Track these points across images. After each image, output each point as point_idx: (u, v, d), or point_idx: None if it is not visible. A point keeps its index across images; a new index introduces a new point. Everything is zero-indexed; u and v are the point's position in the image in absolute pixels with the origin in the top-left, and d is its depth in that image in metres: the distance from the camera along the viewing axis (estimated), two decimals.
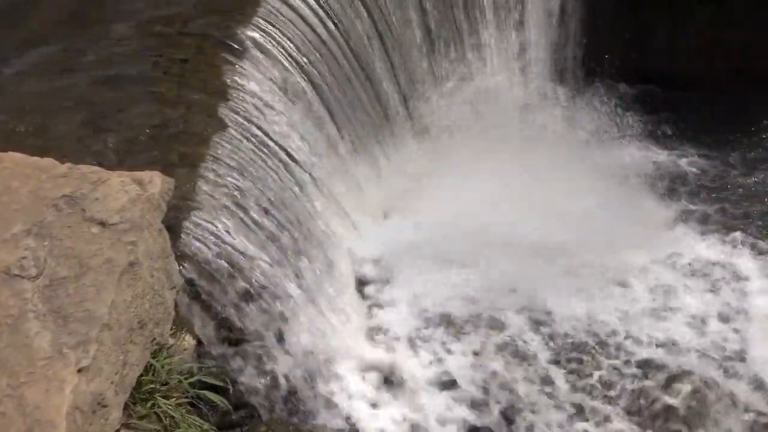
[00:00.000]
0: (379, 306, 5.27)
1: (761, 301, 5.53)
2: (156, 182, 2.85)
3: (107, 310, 2.38)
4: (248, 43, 4.87)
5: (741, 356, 5.06)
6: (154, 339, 2.77)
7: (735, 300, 5.52)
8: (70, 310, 2.37)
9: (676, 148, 7.30)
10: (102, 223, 2.61)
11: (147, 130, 4.26)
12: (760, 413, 4.66)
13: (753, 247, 6.05)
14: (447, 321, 5.21)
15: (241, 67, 4.74)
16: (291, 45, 5.14)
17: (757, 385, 4.86)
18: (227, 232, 3.95)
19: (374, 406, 4.55)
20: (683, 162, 7.17)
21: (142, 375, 2.69)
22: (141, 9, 5.28)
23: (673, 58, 7.78)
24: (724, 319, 5.38)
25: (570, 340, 5.16)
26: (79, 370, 2.23)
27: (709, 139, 7.33)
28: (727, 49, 7.64)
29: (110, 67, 4.77)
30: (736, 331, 5.28)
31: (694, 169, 7.07)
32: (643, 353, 5.09)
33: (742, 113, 7.56)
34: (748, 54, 7.63)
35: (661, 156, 7.23)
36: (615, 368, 5.01)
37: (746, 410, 4.68)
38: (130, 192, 2.71)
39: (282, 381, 4.13)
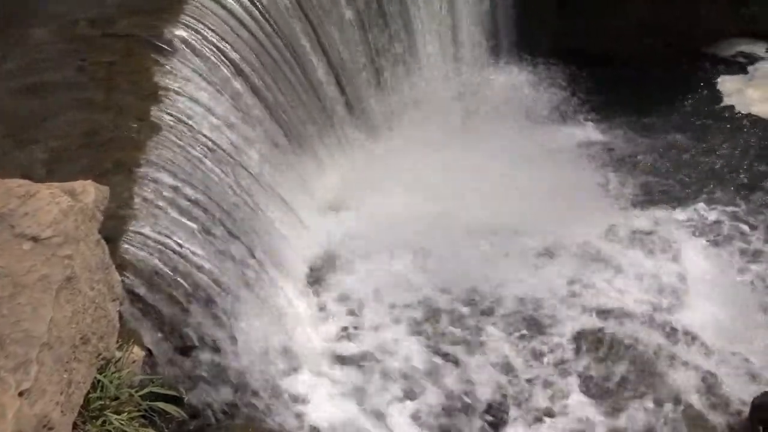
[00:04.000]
0: (331, 298, 5.26)
1: (694, 264, 5.82)
2: (89, 192, 2.74)
3: (46, 328, 2.29)
4: (177, 42, 4.73)
5: (679, 318, 5.31)
6: (100, 354, 2.67)
7: (671, 266, 5.79)
8: (6, 331, 2.26)
9: (610, 123, 7.56)
10: (34, 239, 2.49)
11: (76, 139, 4.10)
12: (699, 368, 4.92)
13: (685, 215, 6.35)
14: (399, 308, 5.24)
15: (172, 67, 4.61)
16: (221, 41, 5.02)
17: (695, 342, 5.12)
18: (169, 237, 3.85)
19: (331, 397, 4.55)
20: (617, 137, 7.43)
21: (89, 392, 2.60)
22: (61, 12, 5.06)
23: (605, 37, 8.02)
24: (661, 284, 5.63)
25: (519, 318, 5.29)
26: (20, 394, 2.13)
27: (643, 113, 7.63)
28: (656, 25, 7.93)
29: (31, 74, 4.55)
30: (673, 294, 5.53)
31: (627, 144, 7.33)
32: (590, 323, 5.28)
33: (673, 86, 7.90)
34: (673, 28, 7.96)
35: (597, 132, 7.47)
36: (565, 340, 5.16)
37: (687, 367, 4.93)
38: (61, 204, 2.59)
39: (237, 383, 4.07)
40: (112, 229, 3.45)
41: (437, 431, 4.54)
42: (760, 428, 4.21)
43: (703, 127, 7.48)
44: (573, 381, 4.92)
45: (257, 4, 5.43)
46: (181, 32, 4.78)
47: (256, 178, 4.92)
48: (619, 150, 7.24)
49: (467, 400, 4.74)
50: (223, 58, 4.96)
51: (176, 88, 4.52)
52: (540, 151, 6.92)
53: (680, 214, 6.36)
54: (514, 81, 7.87)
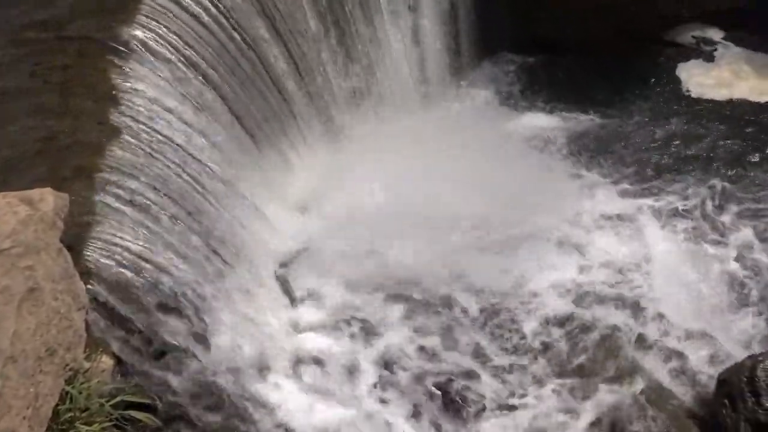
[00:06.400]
0: (301, 298, 5.24)
1: (661, 246, 5.96)
2: (48, 200, 2.68)
3: (9, 342, 2.23)
4: (134, 43, 4.63)
5: (648, 299, 5.43)
6: (67, 365, 2.62)
7: (637, 248, 5.92)
8: None
9: (572, 110, 7.67)
10: None
11: (32, 146, 3.98)
12: (665, 347, 5.04)
13: (650, 198, 6.48)
14: (372, 305, 5.26)
15: (129, 68, 4.51)
16: (179, 41, 4.93)
17: (663, 323, 5.24)
18: (133, 242, 3.78)
19: (305, 397, 4.54)
20: (580, 123, 7.54)
21: (58, 404, 2.55)
22: (9, 15, 4.89)
23: (561, 24, 8.12)
24: (628, 267, 5.75)
25: (492, 307, 5.35)
26: None
27: (602, 98, 7.76)
28: (610, 11, 8.07)
29: None
30: (641, 276, 5.66)
31: (590, 129, 7.45)
32: (558, 307, 5.37)
33: (633, 73, 8.05)
34: (630, 14, 8.11)
35: (559, 119, 7.58)
36: (536, 326, 5.25)
37: (654, 345, 5.05)
38: (19, 213, 2.53)
39: (211, 387, 4.03)
40: (74, 236, 3.37)
41: (412, 420, 4.57)
42: (726, 402, 4.34)
43: (664, 112, 7.64)
44: (543, 364, 5.01)
45: (216, 1, 5.34)
46: (137, 32, 4.68)
47: (221, 178, 4.86)
48: (583, 136, 7.35)
49: (442, 389, 4.77)
50: (181, 56, 4.87)
51: (134, 90, 4.42)
52: (506, 142, 7.01)
53: (645, 198, 6.49)
54: (476, 71, 7.95)
